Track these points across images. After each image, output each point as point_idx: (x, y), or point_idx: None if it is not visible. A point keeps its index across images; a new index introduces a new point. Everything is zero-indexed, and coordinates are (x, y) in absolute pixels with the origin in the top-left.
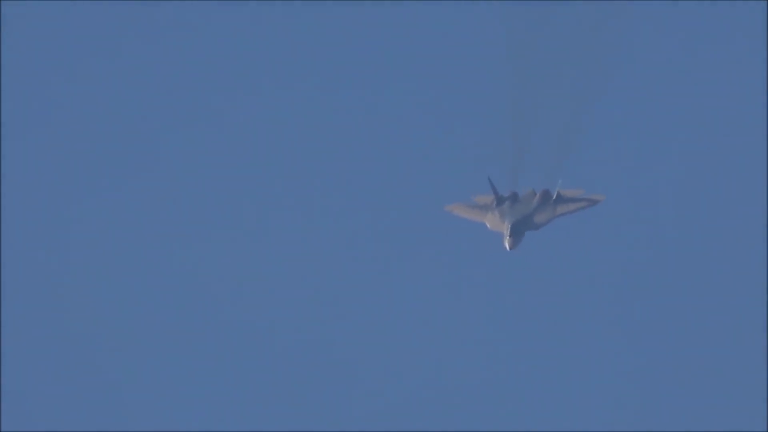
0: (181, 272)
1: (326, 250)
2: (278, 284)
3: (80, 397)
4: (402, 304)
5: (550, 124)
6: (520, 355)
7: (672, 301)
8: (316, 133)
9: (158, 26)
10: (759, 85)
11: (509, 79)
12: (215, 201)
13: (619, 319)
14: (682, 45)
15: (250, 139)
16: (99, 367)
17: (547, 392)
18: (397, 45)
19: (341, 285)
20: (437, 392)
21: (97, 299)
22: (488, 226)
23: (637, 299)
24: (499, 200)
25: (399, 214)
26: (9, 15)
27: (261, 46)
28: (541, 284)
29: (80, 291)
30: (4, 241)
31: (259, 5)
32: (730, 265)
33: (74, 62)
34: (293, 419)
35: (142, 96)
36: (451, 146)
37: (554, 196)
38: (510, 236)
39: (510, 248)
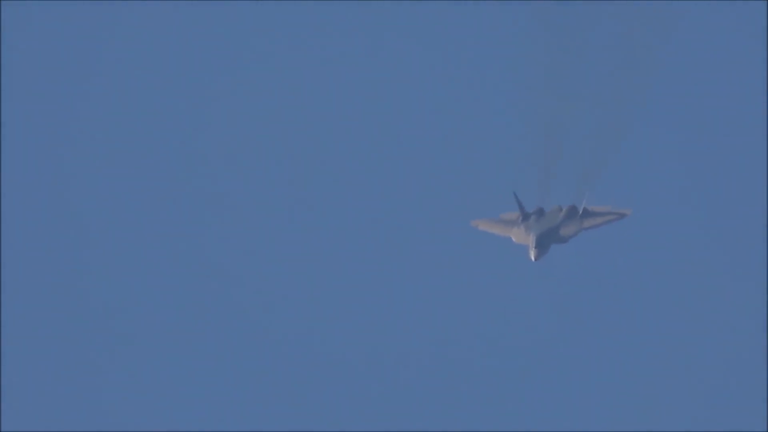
0: (180, 272)
1: (359, 265)
2: (312, 293)
3: (80, 397)
4: (424, 311)
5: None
6: (536, 358)
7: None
8: (352, 154)
9: (158, 26)
10: (759, 85)
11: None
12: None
13: (620, 319)
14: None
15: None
16: (99, 367)
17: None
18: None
19: (372, 296)
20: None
21: (97, 299)
22: (514, 239)
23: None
24: (525, 216)
25: (426, 229)
26: (9, 15)
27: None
28: (559, 289)
29: (80, 291)
30: (4, 241)
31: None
32: (729, 265)
33: (74, 62)
34: (293, 419)
35: (142, 96)
36: (479, 163)
37: (580, 212)
38: (535, 247)
39: (535, 259)
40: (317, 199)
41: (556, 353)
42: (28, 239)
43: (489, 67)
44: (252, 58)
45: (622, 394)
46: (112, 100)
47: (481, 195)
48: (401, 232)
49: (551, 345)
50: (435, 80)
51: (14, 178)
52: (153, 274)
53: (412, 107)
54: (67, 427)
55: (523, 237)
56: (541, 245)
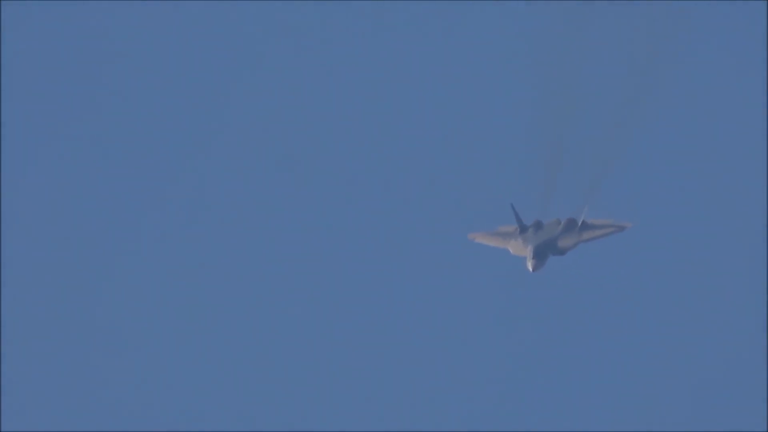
0: (179, 272)
1: (356, 277)
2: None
3: (80, 397)
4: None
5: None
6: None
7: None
8: (348, 163)
9: (158, 26)
10: (759, 85)
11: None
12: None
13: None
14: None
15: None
16: (99, 367)
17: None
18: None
19: (367, 306)
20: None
21: (97, 299)
22: (511, 251)
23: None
24: (523, 228)
25: (423, 241)
26: (9, 15)
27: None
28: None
29: (80, 291)
30: (4, 241)
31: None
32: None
33: (74, 62)
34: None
35: (142, 96)
36: (476, 175)
37: (579, 224)
38: (533, 258)
39: (533, 270)
40: (312, 207)
41: (554, 359)
42: (28, 239)
43: (490, 73)
44: (250, 58)
45: (622, 394)
46: (112, 100)
47: (478, 208)
48: (397, 244)
49: (549, 351)
50: (435, 86)
51: (14, 178)
52: (152, 275)
53: (410, 115)
54: (67, 427)
55: (521, 249)
56: (539, 256)
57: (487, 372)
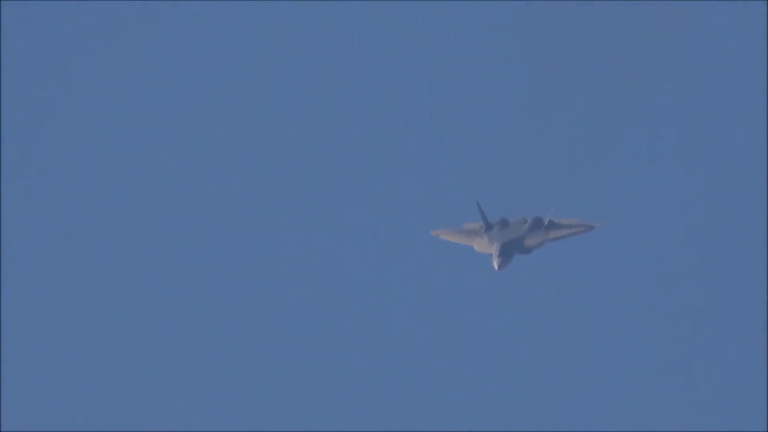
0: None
1: (316, 273)
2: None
3: (80, 397)
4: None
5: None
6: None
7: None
8: (313, 159)
9: (158, 26)
10: (759, 85)
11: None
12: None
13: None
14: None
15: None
16: (99, 367)
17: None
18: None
19: (331, 305)
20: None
21: (97, 299)
22: (476, 248)
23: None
24: (488, 226)
25: (386, 238)
26: (9, 15)
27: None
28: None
29: (80, 291)
30: (4, 241)
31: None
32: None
33: (74, 62)
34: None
35: (142, 95)
36: (442, 172)
37: (546, 223)
38: (499, 256)
39: (498, 268)
40: (277, 204)
41: (522, 356)
42: (28, 239)
43: (463, 69)
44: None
45: (623, 394)
46: (112, 100)
47: (443, 205)
48: (360, 240)
49: (517, 349)
50: (404, 81)
51: (14, 178)
52: (152, 274)
53: (378, 111)
54: (67, 427)
55: (486, 246)
56: (505, 254)
57: (454, 370)
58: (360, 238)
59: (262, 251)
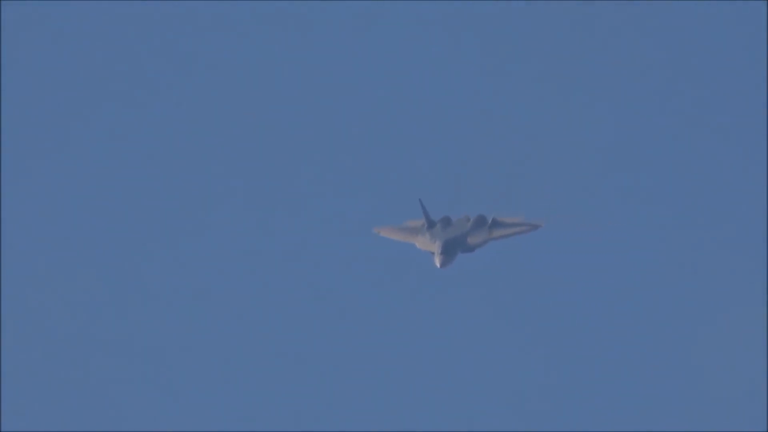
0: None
1: (257, 272)
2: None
3: (80, 397)
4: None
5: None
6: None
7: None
8: (253, 153)
9: (158, 26)
10: (759, 85)
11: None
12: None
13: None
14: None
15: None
16: (100, 367)
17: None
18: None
19: (268, 302)
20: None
21: (97, 299)
22: (418, 246)
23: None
24: (431, 224)
25: (326, 235)
26: (9, 15)
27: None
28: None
29: (80, 291)
30: (4, 241)
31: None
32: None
33: (74, 62)
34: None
35: (142, 96)
36: (385, 168)
37: (489, 222)
38: (441, 254)
39: (441, 266)
40: (217, 199)
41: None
42: (28, 239)
43: (417, 65)
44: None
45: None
46: (112, 100)
47: (385, 201)
48: (301, 237)
49: (460, 347)
50: (350, 75)
51: (14, 178)
52: (152, 275)
53: (321, 105)
54: (67, 427)
55: (428, 244)
56: (448, 252)
57: (392, 367)
58: (301, 235)
59: (199, 251)
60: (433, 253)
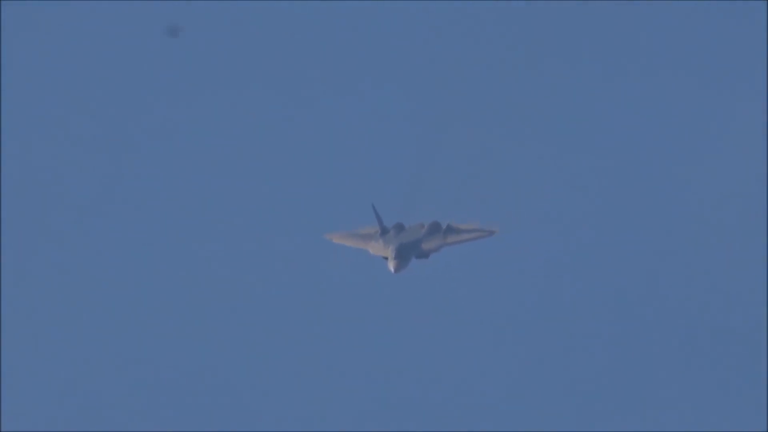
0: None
1: (208, 275)
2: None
3: (80, 397)
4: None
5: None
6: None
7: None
8: (204, 160)
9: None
10: (759, 85)
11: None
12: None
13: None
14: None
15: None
16: (99, 367)
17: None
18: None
19: (221, 312)
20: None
21: (97, 299)
22: (371, 252)
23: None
24: (384, 230)
25: (277, 241)
26: (9, 15)
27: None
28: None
29: (80, 291)
30: (4, 241)
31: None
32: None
33: (74, 62)
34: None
35: (141, 96)
36: (337, 175)
37: (444, 228)
38: (395, 258)
39: (395, 271)
40: (173, 205)
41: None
42: (28, 239)
43: (365, 71)
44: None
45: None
46: (112, 100)
47: (336, 208)
48: (253, 243)
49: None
50: (302, 81)
51: (14, 178)
52: (152, 275)
53: (278, 112)
54: (67, 427)
55: (382, 249)
56: (401, 257)
57: (347, 371)
58: (253, 241)
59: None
60: (386, 258)
